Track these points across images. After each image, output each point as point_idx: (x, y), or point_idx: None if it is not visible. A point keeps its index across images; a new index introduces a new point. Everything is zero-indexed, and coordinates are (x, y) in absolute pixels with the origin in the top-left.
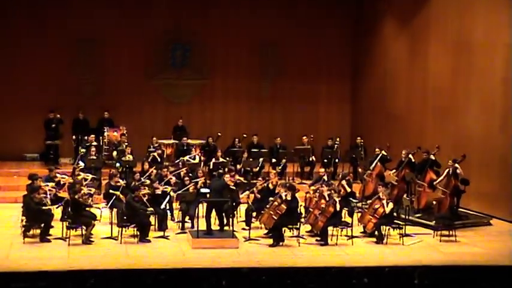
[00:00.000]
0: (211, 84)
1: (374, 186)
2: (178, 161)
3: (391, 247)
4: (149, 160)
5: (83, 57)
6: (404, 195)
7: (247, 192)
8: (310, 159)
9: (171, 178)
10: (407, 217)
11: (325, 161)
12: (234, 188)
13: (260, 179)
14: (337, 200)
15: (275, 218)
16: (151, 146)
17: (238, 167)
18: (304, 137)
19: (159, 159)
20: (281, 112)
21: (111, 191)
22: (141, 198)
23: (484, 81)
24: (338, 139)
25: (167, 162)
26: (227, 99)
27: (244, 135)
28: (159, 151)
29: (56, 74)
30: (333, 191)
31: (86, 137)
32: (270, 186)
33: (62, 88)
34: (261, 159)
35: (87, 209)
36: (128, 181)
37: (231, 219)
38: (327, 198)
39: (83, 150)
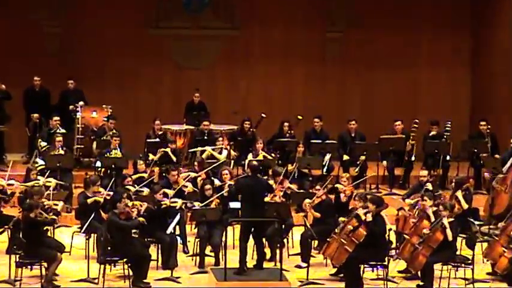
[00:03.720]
0: (246, 38)
1: (509, 200)
2: (192, 150)
3: None
4: (156, 160)
5: None
6: None
7: (308, 200)
8: (406, 156)
9: (183, 186)
10: None
11: (429, 159)
12: (283, 200)
13: (318, 186)
14: (447, 221)
15: (349, 249)
16: (153, 134)
17: (290, 168)
18: (398, 123)
19: (174, 159)
20: (357, 82)
21: (88, 200)
22: (128, 215)
23: None
24: (449, 124)
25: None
26: (271, 61)
27: (299, 117)
28: (174, 145)
29: (1, 21)
30: (441, 207)
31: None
32: (341, 198)
33: (10, 44)
34: (327, 156)
35: (49, 234)
36: (115, 190)
37: (278, 251)
38: (432, 219)
39: (43, 143)
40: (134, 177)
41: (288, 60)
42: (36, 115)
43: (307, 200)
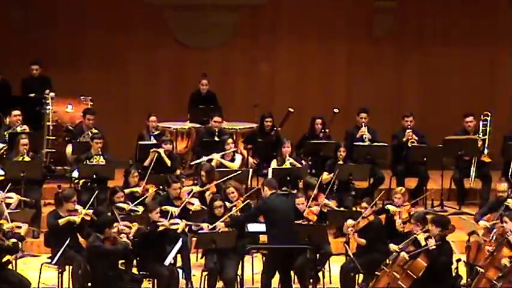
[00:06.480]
0: (270, 10)
1: None
2: (195, 162)
3: None
4: (148, 165)
5: None
6: None
7: (350, 221)
8: (481, 160)
9: (189, 203)
10: None
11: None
12: (318, 223)
13: (365, 203)
14: None
15: (403, 285)
16: (147, 135)
17: (327, 177)
18: (469, 118)
19: (168, 164)
20: (414, 64)
21: (60, 221)
22: (114, 241)
23: None
24: None
25: (180, 170)
26: (304, 38)
27: (336, 111)
28: (169, 145)
29: None
30: None
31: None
32: (397, 220)
33: None
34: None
35: (9, 267)
36: (98, 209)
37: (311, 287)
38: None
39: (1, 144)
40: (127, 191)
41: (326, 37)
42: None
43: (350, 222)
